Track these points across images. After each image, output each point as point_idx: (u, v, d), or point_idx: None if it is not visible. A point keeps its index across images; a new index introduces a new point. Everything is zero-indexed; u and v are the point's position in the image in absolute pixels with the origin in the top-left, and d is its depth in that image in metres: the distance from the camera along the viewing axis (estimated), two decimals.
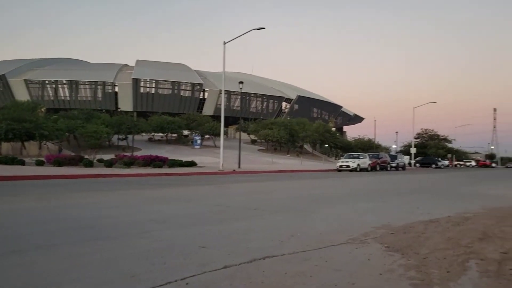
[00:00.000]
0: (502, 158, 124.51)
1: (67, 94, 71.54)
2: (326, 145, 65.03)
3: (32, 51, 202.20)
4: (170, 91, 73.26)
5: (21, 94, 66.38)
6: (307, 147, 67.76)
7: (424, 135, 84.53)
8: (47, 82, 70.88)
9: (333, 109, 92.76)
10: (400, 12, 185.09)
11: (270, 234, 5.82)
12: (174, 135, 61.06)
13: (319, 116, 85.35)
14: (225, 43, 28.39)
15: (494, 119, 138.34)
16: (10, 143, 47.75)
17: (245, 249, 4.88)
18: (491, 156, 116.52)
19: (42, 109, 55.61)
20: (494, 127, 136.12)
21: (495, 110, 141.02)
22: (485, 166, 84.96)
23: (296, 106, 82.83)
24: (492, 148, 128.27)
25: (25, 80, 69.09)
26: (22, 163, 26.38)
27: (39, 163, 25.87)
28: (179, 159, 30.71)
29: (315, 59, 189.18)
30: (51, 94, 71.47)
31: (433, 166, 59.75)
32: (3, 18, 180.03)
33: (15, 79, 68.85)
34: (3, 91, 68.87)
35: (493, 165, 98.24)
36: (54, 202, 9.26)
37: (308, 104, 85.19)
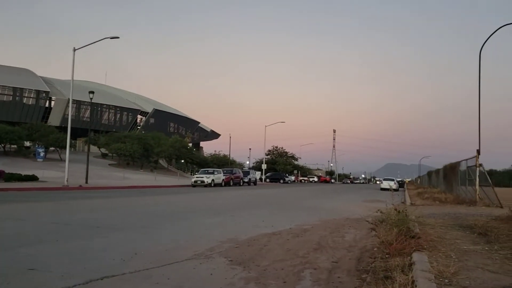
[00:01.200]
0: (339, 175, 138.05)
1: None
2: (182, 161, 64.88)
3: None
4: (10, 98, 66.07)
5: None
6: (162, 162, 66.72)
7: (274, 152, 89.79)
8: None
9: (190, 124, 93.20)
10: (247, 30, 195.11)
11: (112, 253, 5.53)
12: (13, 146, 54.97)
13: (176, 131, 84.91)
14: (75, 49, 26.69)
15: (334, 139, 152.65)
16: None
17: (82, 270, 4.56)
18: (330, 173, 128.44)
19: None
20: (334, 147, 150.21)
21: (334, 131, 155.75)
22: (326, 181, 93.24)
23: (152, 120, 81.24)
24: (331, 166, 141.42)
25: None
26: None
27: None
28: (18, 172, 27.75)
29: (172, 74, 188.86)
30: None
31: (281, 181, 63.52)
32: None
33: None
34: None
35: (332, 181, 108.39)
36: None
37: (165, 119, 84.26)
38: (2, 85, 65.45)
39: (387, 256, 5.63)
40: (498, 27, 18.29)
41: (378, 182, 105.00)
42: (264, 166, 65.81)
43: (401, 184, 55.29)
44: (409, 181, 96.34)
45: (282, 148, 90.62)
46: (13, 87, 65.88)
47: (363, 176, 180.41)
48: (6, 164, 38.68)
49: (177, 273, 4.66)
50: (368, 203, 18.88)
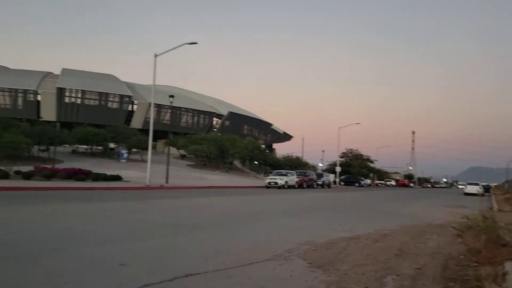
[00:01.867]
0: (419, 179, 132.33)
1: None
2: (256, 162, 65.65)
3: None
4: (97, 102, 70.70)
5: None
6: (236, 163, 67.96)
7: (348, 154, 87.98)
8: None
9: (263, 126, 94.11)
10: (333, 36, 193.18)
11: (194, 251, 5.71)
12: (99, 147, 58.71)
13: (249, 133, 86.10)
14: (156, 55, 27.94)
15: (413, 141, 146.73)
16: None
17: (167, 267, 4.74)
18: (409, 176, 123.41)
19: None
20: (413, 149, 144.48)
21: (413, 133, 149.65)
22: (404, 185, 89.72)
23: (227, 122, 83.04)
24: (410, 169, 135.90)
25: None
26: None
27: None
28: (104, 172, 29.53)
29: (247, 77, 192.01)
30: None
31: (356, 184, 62.13)
32: None
33: None
34: None
35: (411, 184, 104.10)
36: None
37: (239, 121, 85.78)
38: (89, 90, 70.14)
39: (475, 264, 5.31)
40: None
41: (461, 187, 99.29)
42: (338, 169, 64.76)
43: (486, 189, 51.87)
44: (495, 186, 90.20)
45: (357, 150, 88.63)
46: (99, 92, 70.40)
47: (444, 180, 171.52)
48: (93, 165, 41.37)
49: (258, 273, 4.71)
50: (451, 209, 17.93)
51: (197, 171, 50.67)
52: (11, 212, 9.90)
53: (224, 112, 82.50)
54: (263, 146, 74.43)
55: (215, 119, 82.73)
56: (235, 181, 41.45)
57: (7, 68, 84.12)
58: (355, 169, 76.99)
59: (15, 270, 4.24)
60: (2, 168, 25.92)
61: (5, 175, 23.82)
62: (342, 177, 66.03)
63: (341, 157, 78.59)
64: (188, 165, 57.58)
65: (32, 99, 67.58)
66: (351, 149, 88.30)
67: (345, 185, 61.78)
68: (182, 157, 64.02)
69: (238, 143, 59.85)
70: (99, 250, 5.43)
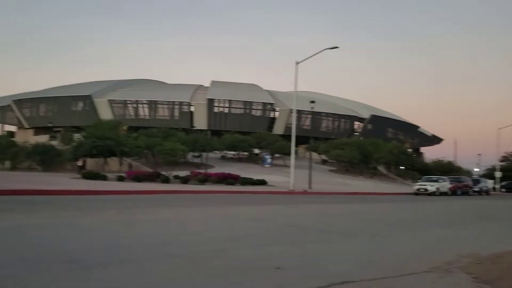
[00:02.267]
0: None
1: (147, 113, 75.25)
2: (402, 167, 62.66)
3: (116, 72, 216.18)
4: (242, 111, 74.73)
5: (105, 113, 70.73)
6: (381, 168, 65.69)
7: (510, 158, 78.61)
8: (128, 102, 75.07)
9: (409, 129, 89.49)
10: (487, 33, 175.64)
11: (346, 258, 5.65)
12: (245, 153, 61.92)
13: (394, 137, 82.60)
14: (297, 63, 28.51)
15: None
16: (94, 159, 50.95)
17: (321, 273, 4.77)
18: None
19: (124, 128, 58.93)
20: None
21: None
22: None
23: (369, 126, 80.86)
24: None
25: (108, 100, 73.68)
26: (105, 178, 27.94)
27: (120, 179, 27.28)
28: (250, 177, 31.01)
29: (389, 78, 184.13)
30: (132, 113, 75.51)
31: None
32: (91, 44, 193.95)
33: (99, 99, 73.66)
34: (89, 110, 73.82)
35: None
36: (131, 217, 9.65)
37: (382, 124, 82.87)
38: (235, 100, 74.52)
39: None
40: None
41: None
42: (498, 174, 58.49)
43: None
44: None
45: None
46: (244, 101, 74.37)
47: None
48: (240, 169, 43.72)
49: (417, 285, 4.48)
50: None
51: (339, 176, 50.24)
52: (178, 213, 10.95)
53: (366, 115, 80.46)
54: (409, 150, 70.79)
55: (356, 122, 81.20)
56: (380, 187, 40.11)
57: (165, 83, 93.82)
58: None
59: (188, 267, 4.66)
60: (164, 173, 28.88)
61: (166, 180, 26.48)
62: (504, 183, 59.45)
63: (501, 161, 70.68)
64: (330, 171, 57.43)
65: (186, 110, 74.19)
66: None
67: (506, 191, 55.57)
68: (324, 162, 64.08)
69: (382, 148, 57.81)
70: (256, 252, 5.70)
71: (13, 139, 71.20)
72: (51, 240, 5.90)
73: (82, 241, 5.93)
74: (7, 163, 62.73)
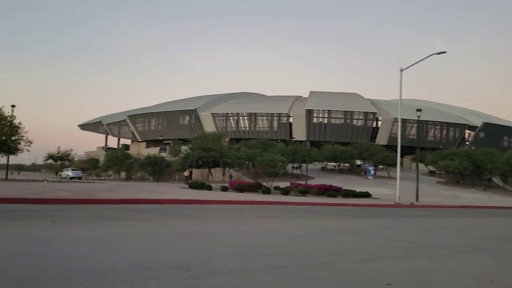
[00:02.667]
0: None
1: (247, 125, 77.41)
2: None
3: (218, 86, 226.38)
4: (342, 121, 73.64)
5: (209, 126, 74.13)
6: (496, 180, 60.40)
7: None
8: (230, 115, 77.92)
9: None
10: None
11: (462, 276, 5.23)
12: (346, 164, 60.77)
13: (510, 146, 75.72)
14: (401, 70, 27.42)
15: None
16: (199, 169, 53.47)
17: None
18: None
19: (226, 139, 61.21)
20: None
21: None
22: None
23: (481, 134, 75.03)
24: None
25: (212, 114, 77.10)
26: (210, 188, 29.14)
27: (224, 189, 28.25)
28: (352, 189, 30.25)
29: (502, 83, 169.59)
30: (233, 126, 78.19)
31: None
32: (195, 62, 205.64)
33: (204, 113, 77.39)
34: (194, 123, 77.91)
35: None
36: (237, 227, 9.89)
37: (496, 132, 76.42)
38: (335, 110, 73.63)
39: None
40: None
41: None
42: None
43: None
44: None
45: None
46: (344, 111, 73.24)
47: None
48: (341, 181, 42.96)
49: None
50: None
51: (449, 188, 47.13)
52: (280, 224, 11.02)
53: (478, 123, 74.77)
54: None
55: (467, 131, 75.80)
56: (496, 200, 36.83)
57: (264, 95, 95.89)
58: None
59: (294, 279, 4.64)
60: (265, 184, 29.33)
61: (267, 191, 26.85)
62: None
63: None
64: (438, 182, 54.17)
65: (285, 121, 75.00)
66: None
67: None
68: (431, 173, 60.66)
69: (496, 157, 53.17)
70: (362, 267, 5.51)
71: (128, 151, 77.54)
72: (163, 248, 6.24)
73: (191, 249, 6.19)
74: (123, 174, 68.37)
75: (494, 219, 17.49)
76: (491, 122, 76.40)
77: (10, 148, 34.81)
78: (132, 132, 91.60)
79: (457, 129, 74.75)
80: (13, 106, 35.14)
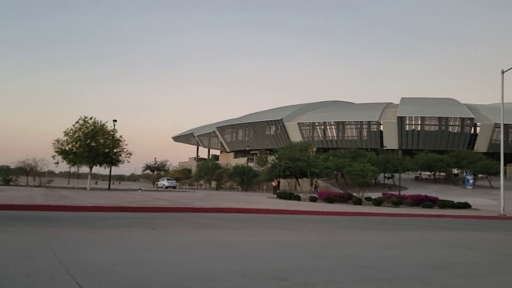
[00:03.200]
0: None
1: (335, 134, 76.37)
2: None
3: (304, 96, 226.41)
4: (437, 128, 69.93)
5: (295, 136, 74.25)
6: None
7: None
8: (316, 124, 77.41)
9: None
10: None
11: None
12: (442, 173, 57.50)
13: None
14: (503, 72, 25.49)
15: None
16: (287, 179, 53.65)
17: None
18: None
19: (313, 149, 60.87)
20: None
21: None
22: None
23: None
24: None
25: (298, 123, 77.15)
26: (298, 198, 29.10)
27: (313, 199, 28.06)
28: (450, 199, 28.55)
29: None
30: (320, 135, 77.59)
31: None
32: (279, 71, 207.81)
33: (290, 123, 77.68)
34: (280, 133, 78.50)
35: None
36: (329, 238, 9.75)
37: None
38: (429, 116, 70.15)
39: None
40: None
41: None
42: None
43: None
44: None
45: None
46: (438, 117, 69.51)
47: None
48: (436, 191, 40.73)
49: None
50: None
51: None
52: (374, 236, 10.71)
53: None
54: None
55: None
56: None
57: (353, 103, 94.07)
58: None
59: None
60: (355, 194, 28.66)
61: (358, 201, 26.22)
62: None
63: None
64: None
65: (375, 129, 72.87)
66: None
67: None
68: None
69: None
70: (468, 283, 5.17)
71: (217, 162, 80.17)
72: (258, 258, 6.33)
73: (285, 259, 6.21)
74: (213, 183, 70.73)
75: None
76: None
77: (113, 160, 37.51)
78: (221, 143, 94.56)
79: None
80: (114, 120, 38.00)
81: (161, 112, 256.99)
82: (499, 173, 26.99)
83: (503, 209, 23.51)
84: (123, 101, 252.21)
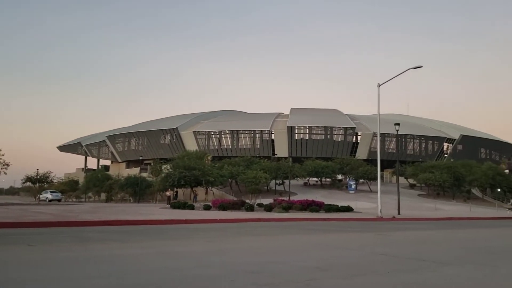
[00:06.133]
0: None
1: (229, 143, 77.29)
2: (499, 190, 58.05)
3: (199, 105, 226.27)
4: (323, 136, 74.15)
5: (191, 145, 73.79)
6: (475, 191, 61.35)
7: None
8: (212, 133, 77.74)
9: (504, 148, 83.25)
10: None
11: None
12: (328, 179, 61.02)
13: (488, 157, 77.24)
14: (379, 85, 27.83)
15: None
16: (182, 189, 52.95)
17: None
18: None
19: (208, 158, 60.94)
20: None
21: None
22: None
23: (459, 147, 76.38)
24: None
25: (193, 132, 76.82)
26: (192, 207, 28.86)
27: (206, 208, 27.99)
28: (335, 203, 30.37)
29: (478, 96, 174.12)
30: (215, 144, 78.00)
31: None
32: (176, 80, 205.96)
33: (185, 131, 77.06)
34: (175, 142, 77.46)
35: None
36: (220, 245, 9.75)
37: (474, 144, 77.90)
38: (316, 126, 74.19)
39: None
40: None
41: None
42: None
43: None
44: None
45: None
46: (324, 127, 73.83)
47: None
48: (323, 196, 43.07)
49: None
50: None
51: (430, 201, 47.64)
52: (265, 241, 10.92)
53: (456, 135, 76.19)
54: (506, 171, 65.60)
55: (445, 144, 77.08)
56: (476, 211, 37.36)
57: (246, 113, 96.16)
58: None
59: None
60: (248, 201, 29.19)
61: (251, 208, 26.71)
62: None
63: None
64: (419, 195, 54.74)
65: (267, 138, 75.17)
66: None
67: None
68: (412, 186, 61.33)
69: (475, 169, 54.11)
70: (349, 282, 5.46)
71: (107, 172, 76.49)
72: (144, 270, 6.09)
73: (171, 270, 6.05)
74: (103, 195, 67.30)
75: (476, 230, 17.67)
76: (469, 134, 77.93)
77: None
78: (112, 153, 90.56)
79: (435, 142, 75.95)
80: None
81: (46, 121, 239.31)
82: (377, 178, 29.33)
83: (380, 212, 25.59)
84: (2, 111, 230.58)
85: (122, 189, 61.24)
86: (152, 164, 70.50)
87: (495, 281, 5.94)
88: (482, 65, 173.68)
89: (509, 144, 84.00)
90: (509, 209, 37.17)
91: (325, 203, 29.78)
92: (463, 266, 7.25)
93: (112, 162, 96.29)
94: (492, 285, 5.67)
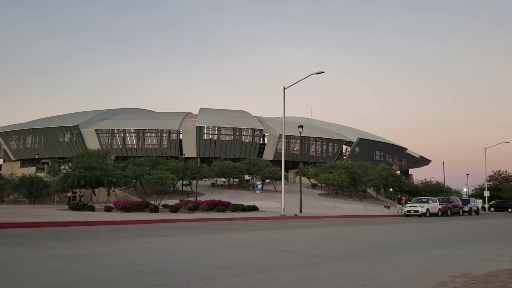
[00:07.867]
0: None
1: (134, 142, 74.83)
2: (391, 189, 62.82)
3: (102, 102, 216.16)
4: (231, 137, 74.75)
5: (92, 143, 70.24)
6: (370, 191, 65.76)
7: (498, 177, 79.16)
8: (115, 131, 74.68)
9: (397, 151, 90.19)
10: (471, 48, 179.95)
11: (339, 282, 5.54)
12: (236, 180, 61.63)
13: (382, 159, 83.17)
14: (284, 88, 28.73)
15: None
16: (82, 190, 50.21)
17: None
18: None
19: (112, 157, 58.49)
20: None
21: None
22: None
23: (357, 149, 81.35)
24: None
25: (95, 130, 73.26)
26: (92, 209, 27.50)
27: (108, 209, 26.84)
28: (241, 203, 30.77)
29: (375, 101, 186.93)
30: (119, 143, 75.06)
31: (510, 210, 55.76)
32: (77, 75, 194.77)
33: (87, 129, 73.22)
34: (76, 140, 73.31)
35: None
36: (119, 247, 9.43)
37: (370, 147, 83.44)
38: (225, 127, 74.59)
39: None
40: None
41: None
42: (487, 193, 58.98)
43: None
44: None
45: (506, 172, 79.35)
46: (233, 128, 74.47)
47: None
48: (231, 196, 43.44)
49: None
50: None
51: (329, 200, 50.13)
52: (166, 242, 10.73)
53: (353, 138, 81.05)
54: (398, 172, 71.17)
55: (344, 146, 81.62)
56: (370, 209, 40.06)
57: (153, 111, 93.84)
58: (506, 193, 69.00)
59: None
60: (152, 202, 28.50)
61: (155, 209, 26.12)
62: (492, 202, 59.89)
63: (489, 180, 71.21)
64: (320, 194, 57.34)
65: (175, 138, 73.97)
66: (499, 171, 79.40)
67: (495, 211, 55.94)
68: (313, 186, 64.06)
69: (370, 170, 58.01)
70: (247, 279, 5.56)
71: None
72: (29, 275, 5.70)
73: (62, 274, 5.73)
74: None
75: (369, 226, 18.93)
76: (365, 137, 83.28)
77: None
78: (4, 151, 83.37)
79: (335, 144, 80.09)
80: None
81: None
82: (281, 178, 30.28)
83: (283, 210, 26.44)
84: None
85: (16, 190, 56.58)
86: (50, 163, 66.06)
87: (381, 273, 6.41)
88: (379, 71, 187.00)
89: (402, 147, 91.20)
90: (386, 207, 40.44)
91: (232, 203, 30.04)
92: (353, 260, 7.73)
93: (4, 161, 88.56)
94: (377, 275, 6.11)
